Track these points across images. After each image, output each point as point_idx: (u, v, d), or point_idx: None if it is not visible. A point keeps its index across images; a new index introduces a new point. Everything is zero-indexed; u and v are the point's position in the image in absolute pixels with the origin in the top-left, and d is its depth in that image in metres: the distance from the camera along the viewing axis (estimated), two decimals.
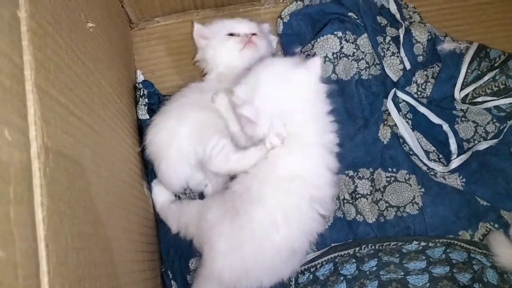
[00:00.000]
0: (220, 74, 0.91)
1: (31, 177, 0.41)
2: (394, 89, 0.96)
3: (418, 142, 0.94)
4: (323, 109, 0.77)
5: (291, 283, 0.87)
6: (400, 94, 0.95)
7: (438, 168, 0.92)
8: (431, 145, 0.95)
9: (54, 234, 0.42)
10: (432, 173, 0.93)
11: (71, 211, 0.48)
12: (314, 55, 0.95)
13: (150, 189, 0.90)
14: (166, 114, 0.85)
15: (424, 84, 0.95)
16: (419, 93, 0.95)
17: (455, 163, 0.91)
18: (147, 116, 0.93)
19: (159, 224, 0.91)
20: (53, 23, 0.52)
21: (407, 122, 0.95)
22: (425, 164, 0.93)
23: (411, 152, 0.94)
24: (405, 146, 0.95)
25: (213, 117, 0.83)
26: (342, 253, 0.90)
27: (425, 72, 0.96)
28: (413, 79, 0.95)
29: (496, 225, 0.90)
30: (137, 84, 0.97)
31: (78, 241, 0.48)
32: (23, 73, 0.43)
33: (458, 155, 0.92)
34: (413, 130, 0.95)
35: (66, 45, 0.55)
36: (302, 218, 0.74)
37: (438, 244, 0.87)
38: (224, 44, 0.91)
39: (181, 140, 0.82)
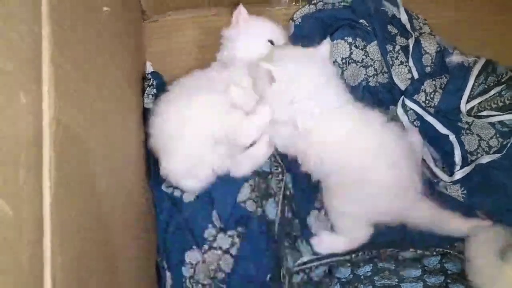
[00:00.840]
0: (230, 60, 0.92)
1: (41, 145, 0.41)
2: (403, 96, 0.96)
3: (426, 148, 0.95)
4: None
5: (285, 282, 0.86)
6: (408, 102, 0.95)
7: (443, 176, 0.92)
8: (436, 153, 0.95)
9: (59, 205, 0.43)
10: (435, 180, 0.93)
11: (76, 186, 0.48)
12: None
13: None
14: (171, 101, 0.86)
15: (433, 93, 0.96)
16: (427, 101, 0.96)
17: (458, 174, 0.92)
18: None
19: (157, 215, 0.91)
20: (71, 0, 0.52)
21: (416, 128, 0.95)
22: (431, 171, 0.93)
23: None
24: None
25: (221, 98, 0.85)
26: (337, 259, 0.90)
27: (434, 82, 0.96)
28: (421, 88, 0.96)
29: None
30: (146, 75, 0.97)
31: (81, 217, 0.49)
32: (41, 43, 0.44)
33: (462, 167, 0.92)
34: None
35: (82, 23, 0.56)
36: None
37: (434, 253, 0.87)
38: (260, 47, 0.92)
39: (192, 124, 0.82)
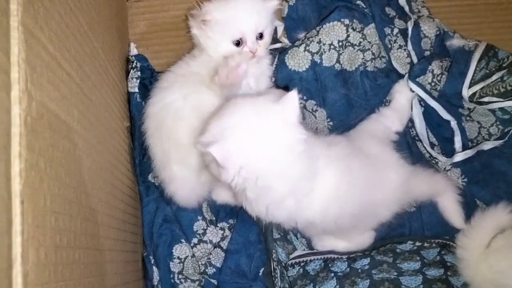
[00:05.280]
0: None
1: (9, 122, 0.36)
2: (406, 75, 0.93)
3: (426, 130, 0.92)
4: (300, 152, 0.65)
5: (276, 276, 0.82)
6: (412, 85, 0.92)
7: (441, 158, 0.90)
8: (435, 139, 0.93)
9: (31, 192, 0.37)
10: (434, 161, 0.91)
11: (52, 171, 0.42)
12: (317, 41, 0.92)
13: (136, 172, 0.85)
14: (166, 89, 0.80)
15: (440, 75, 0.92)
16: (433, 84, 0.92)
17: (459, 156, 0.90)
18: (137, 90, 0.88)
19: (143, 207, 0.86)
20: None
21: (421, 108, 0.93)
22: (428, 152, 0.91)
23: (416, 138, 0.93)
24: (412, 131, 0.93)
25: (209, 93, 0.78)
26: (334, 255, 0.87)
27: (441, 64, 0.93)
28: (429, 68, 0.91)
29: None
30: (130, 57, 0.91)
31: (58, 205, 0.43)
32: (9, 6, 0.38)
33: (463, 150, 0.90)
34: None
35: None
36: None
37: (434, 245, 0.85)
38: (227, 50, 0.82)
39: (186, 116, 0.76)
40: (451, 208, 0.86)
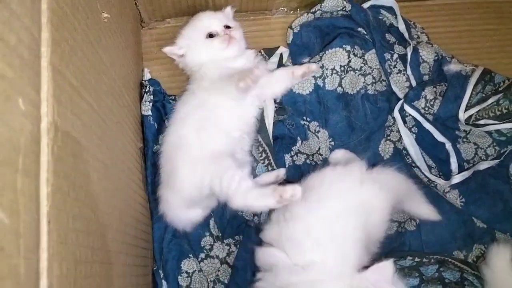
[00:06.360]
0: (205, 72, 0.91)
1: (39, 151, 0.41)
2: (402, 101, 0.97)
3: (422, 156, 0.95)
4: None
5: None
6: (407, 108, 0.96)
7: (439, 181, 0.93)
8: (432, 161, 0.96)
9: (56, 212, 0.42)
10: (432, 185, 0.93)
11: (73, 193, 0.47)
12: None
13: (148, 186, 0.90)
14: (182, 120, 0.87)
15: (433, 100, 0.96)
16: (426, 108, 0.96)
17: (456, 178, 0.92)
18: (150, 113, 0.93)
19: (154, 224, 0.90)
20: (71, 6, 0.52)
21: (412, 135, 0.96)
22: (426, 177, 0.94)
23: (413, 165, 0.95)
24: (407, 159, 0.96)
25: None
26: None
27: (434, 89, 0.97)
28: (422, 94, 0.96)
29: None
30: (143, 81, 0.97)
31: (78, 223, 0.48)
32: (40, 48, 0.43)
33: (460, 172, 0.93)
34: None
35: (81, 30, 0.56)
36: None
37: (432, 261, 0.87)
38: (208, 47, 0.91)
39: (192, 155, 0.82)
40: (421, 203, 0.88)
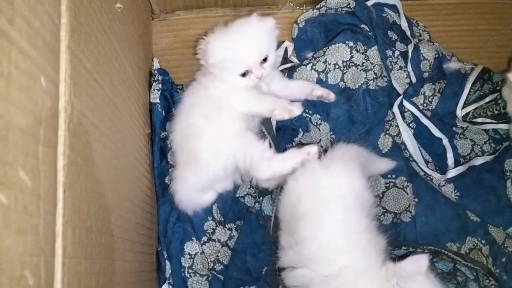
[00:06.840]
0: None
1: (57, 126, 0.45)
2: (401, 97, 1.00)
3: (419, 150, 0.98)
4: None
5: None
6: (406, 104, 0.99)
7: (435, 175, 0.96)
8: (429, 156, 0.99)
9: (71, 183, 0.46)
10: (428, 178, 0.96)
11: (86, 168, 0.51)
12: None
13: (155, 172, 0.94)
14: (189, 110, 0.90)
15: (431, 97, 0.99)
16: (425, 104, 0.99)
17: (452, 172, 0.95)
18: (158, 101, 0.97)
19: (159, 206, 0.94)
20: None
21: (410, 130, 0.99)
22: (422, 170, 0.96)
23: (410, 159, 0.98)
24: (405, 153, 0.99)
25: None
26: None
27: (433, 86, 1.00)
28: (421, 91, 0.99)
29: (483, 241, 0.93)
30: (152, 71, 1.01)
31: (90, 196, 0.52)
32: (59, 33, 0.47)
33: (456, 166, 0.96)
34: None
35: (96, 18, 0.59)
36: None
37: (426, 251, 0.90)
38: (236, 81, 0.90)
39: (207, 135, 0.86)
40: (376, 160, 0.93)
